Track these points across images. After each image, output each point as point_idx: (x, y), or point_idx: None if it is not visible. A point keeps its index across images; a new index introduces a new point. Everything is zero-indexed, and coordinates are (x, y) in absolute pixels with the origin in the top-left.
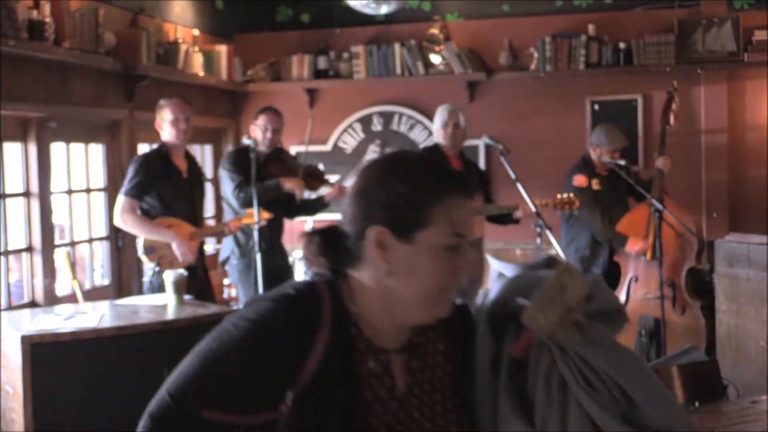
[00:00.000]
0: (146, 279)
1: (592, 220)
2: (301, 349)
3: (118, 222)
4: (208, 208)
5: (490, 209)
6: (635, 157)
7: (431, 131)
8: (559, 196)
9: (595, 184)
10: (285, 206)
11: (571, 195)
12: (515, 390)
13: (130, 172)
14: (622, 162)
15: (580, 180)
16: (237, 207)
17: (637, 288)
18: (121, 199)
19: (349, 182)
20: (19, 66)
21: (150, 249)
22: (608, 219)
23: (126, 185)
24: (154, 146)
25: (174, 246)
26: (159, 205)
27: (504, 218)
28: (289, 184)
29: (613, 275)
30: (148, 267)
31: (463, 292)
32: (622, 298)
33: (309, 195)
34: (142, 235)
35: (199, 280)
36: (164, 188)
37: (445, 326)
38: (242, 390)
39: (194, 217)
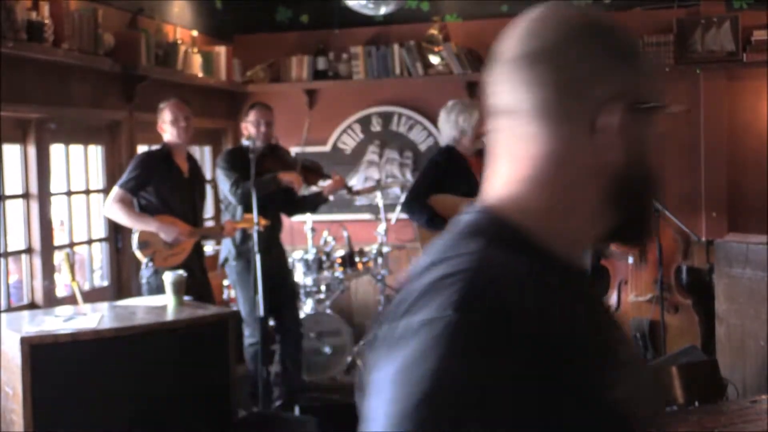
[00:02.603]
0: (144, 281)
1: None
2: None
3: (105, 210)
4: (208, 210)
5: None
6: None
7: (431, 132)
8: None
9: None
10: (283, 204)
11: None
12: None
13: (130, 166)
14: None
15: None
16: (235, 206)
17: (627, 291)
18: (115, 189)
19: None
20: (18, 67)
21: (144, 244)
22: None
23: (123, 178)
24: (157, 146)
25: (161, 234)
26: (157, 202)
27: None
28: (287, 178)
29: (601, 280)
30: (142, 262)
31: None
32: (613, 302)
33: (308, 190)
34: (126, 224)
35: (196, 281)
36: (163, 186)
37: None
38: None
39: (193, 217)
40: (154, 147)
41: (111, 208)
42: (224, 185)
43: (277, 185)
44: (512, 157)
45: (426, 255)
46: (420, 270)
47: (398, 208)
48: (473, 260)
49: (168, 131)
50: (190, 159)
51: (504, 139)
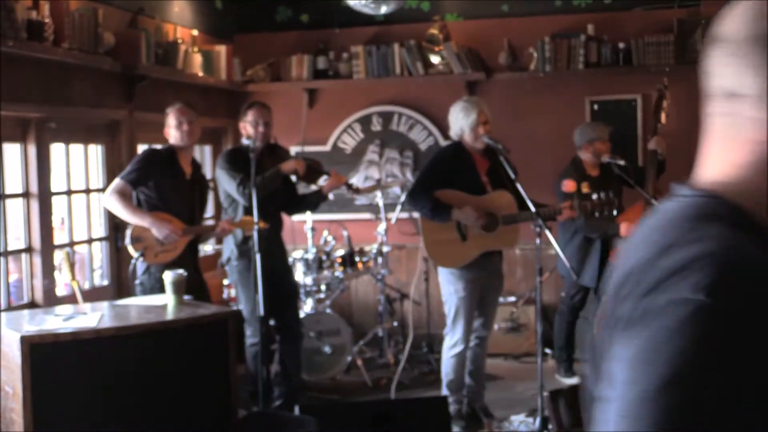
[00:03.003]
0: (137, 282)
1: (581, 223)
2: None
3: (104, 200)
4: (208, 210)
5: (534, 214)
6: (635, 157)
7: (431, 131)
8: None
9: (585, 187)
10: (284, 203)
11: None
12: None
13: (134, 160)
14: (622, 162)
15: (568, 185)
16: (236, 207)
17: None
18: (116, 180)
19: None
20: (18, 66)
21: (137, 238)
22: (603, 217)
23: (125, 170)
24: (163, 146)
25: (154, 229)
26: (156, 199)
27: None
28: (289, 166)
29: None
30: (133, 256)
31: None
32: None
33: (308, 189)
34: (122, 215)
35: (191, 280)
36: (164, 183)
37: None
38: None
39: (191, 219)
40: (159, 146)
41: (109, 198)
42: (230, 185)
43: (281, 176)
44: (731, 140)
45: (649, 238)
46: (657, 251)
47: (398, 207)
48: (719, 245)
49: (172, 135)
50: (195, 165)
51: (722, 122)
